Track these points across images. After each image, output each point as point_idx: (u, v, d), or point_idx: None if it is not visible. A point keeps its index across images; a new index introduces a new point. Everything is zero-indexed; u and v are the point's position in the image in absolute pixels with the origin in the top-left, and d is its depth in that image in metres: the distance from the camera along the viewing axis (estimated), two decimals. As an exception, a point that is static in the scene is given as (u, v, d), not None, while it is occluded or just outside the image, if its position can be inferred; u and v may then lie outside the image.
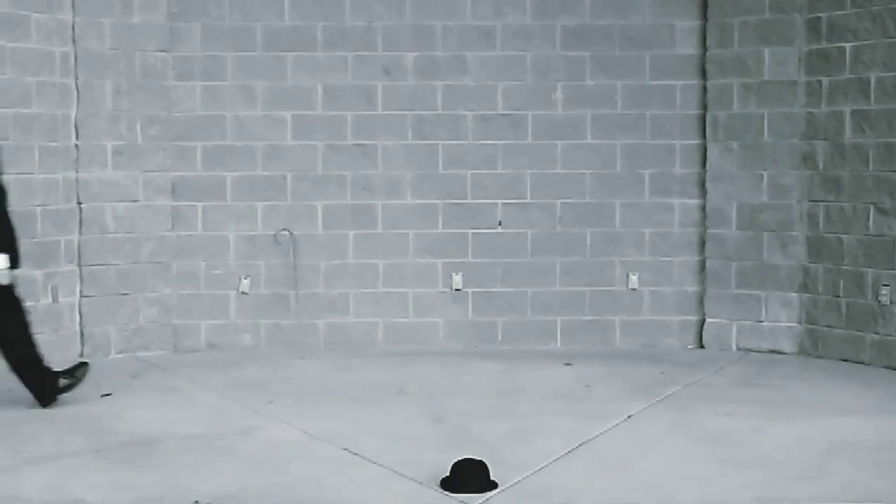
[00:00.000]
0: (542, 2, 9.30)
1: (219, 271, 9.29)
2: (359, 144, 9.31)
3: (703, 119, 9.25)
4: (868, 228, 8.45)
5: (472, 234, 9.36)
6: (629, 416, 6.93)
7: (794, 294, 8.96)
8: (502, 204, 9.34)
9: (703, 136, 9.25)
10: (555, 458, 5.93)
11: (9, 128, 8.36)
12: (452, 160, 9.34)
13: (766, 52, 8.92)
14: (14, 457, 6.02)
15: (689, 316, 9.39)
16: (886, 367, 8.32)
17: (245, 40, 9.22)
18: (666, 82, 9.29)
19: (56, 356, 8.67)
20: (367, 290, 9.36)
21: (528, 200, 9.35)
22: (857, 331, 8.55)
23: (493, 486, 5.45)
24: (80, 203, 8.86)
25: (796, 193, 8.91)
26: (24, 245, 8.40)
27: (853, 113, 8.52)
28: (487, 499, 5.30)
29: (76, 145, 8.83)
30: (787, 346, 9.00)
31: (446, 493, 5.37)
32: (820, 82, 8.74)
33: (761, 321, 9.08)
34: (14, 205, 8.33)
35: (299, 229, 9.30)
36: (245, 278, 9.29)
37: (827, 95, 8.70)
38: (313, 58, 9.27)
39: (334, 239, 9.33)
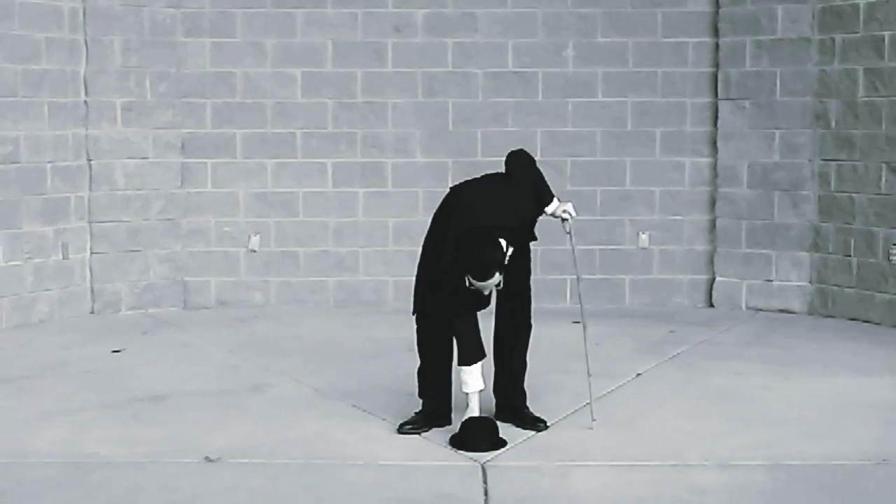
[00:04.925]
0: (554, -42, 9.24)
1: (228, 229, 9.29)
2: (368, 102, 9.27)
3: (714, 77, 9.19)
4: (880, 188, 8.41)
5: (482, 192, 9.32)
6: (638, 375, 6.94)
7: (805, 253, 8.94)
8: (512, 162, 9.30)
9: (715, 94, 9.19)
10: (563, 416, 5.94)
11: (18, 84, 8.35)
12: (462, 118, 9.30)
13: (779, 9, 8.84)
14: (27, 411, 6.06)
15: (699, 275, 9.38)
16: (896, 327, 8.33)
17: (254, -4, 9.17)
18: (678, 40, 9.23)
19: (67, 312, 8.73)
20: (376, 249, 9.36)
21: (539, 158, 9.15)
22: (868, 290, 8.53)
23: (503, 443, 5.47)
24: (89, 160, 8.85)
25: (808, 152, 8.87)
26: (33, 202, 8.45)
27: (866, 71, 8.45)
28: (496, 456, 5.32)
29: (85, 102, 8.82)
30: (797, 305, 8.99)
31: (455, 450, 5.39)
32: (833, 40, 8.67)
33: (771, 280, 9.07)
34: (24, 161, 8.37)
35: (309, 186, 9.29)
36: (255, 235, 9.29)
37: (840, 53, 8.63)
38: (323, 14, 9.22)
39: (344, 197, 9.32)
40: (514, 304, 5.84)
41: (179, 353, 7.58)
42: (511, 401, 5.86)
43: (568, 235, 5.92)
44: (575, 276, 6.22)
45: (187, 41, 9.14)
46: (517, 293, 5.82)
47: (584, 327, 5.95)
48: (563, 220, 5.82)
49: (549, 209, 5.78)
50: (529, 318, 5.93)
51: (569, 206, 5.81)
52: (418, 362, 5.83)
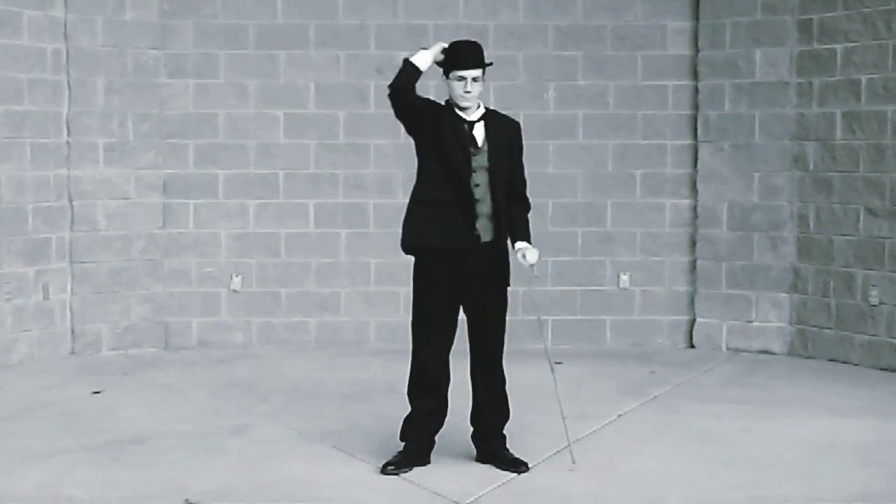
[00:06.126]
0: (535, 1, 9.31)
1: (210, 269, 9.28)
2: (351, 143, 9.31)
3: (694, 119, 9.27)
4: (858, 230, 8.48)
5: (464, 233, 9.35)
6: (619, 416, 6.95)
7: (785, 294, 8.98)
8: (494, 203, 9.33)
9: (695, 136, 9.27)
10: (544, 458, 5.93)
11: (0, 125, 8.34)
12: (444, 159, 9.32)
13: (758, 52, 8.94)
14: (6, 455, 6.00)
15: (680, 316, 9.40)
16: (875, 368, 8.35)
17: (237, 38, 9.21)
18: (658, 82, 9.31)
19: (47, 353, 8.69)
20: (358, 289, 9.36)
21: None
22: (847, 331, 8.57)
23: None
24: (71, 200, 8.84)
25: (787, 194, 8.93)
26: (14, 242, 8.43)
27: (844, 114, 8.54)
28: (477, 498, 5.31)
29: (68, 142, 8.82)
30: (777, 346, 9.03)
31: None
32: (811, 83, 8.76)
33: (751, 321, 9.10)
34: (5, 202, 8.36)
35: (291, 227, 9.31)
36: (236, 276, 9.29)
37: (818, 96, 8.72)
38: (306, 56, 9.27)
39: (326, 237, 9.33)
40: (485, 344, 5.82)
41: (160, 395, 7.54)
42: (491, 445, 5.85)
43: (532, 277, 5.93)
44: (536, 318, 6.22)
45: (170, 82, 9.17)
46: (488, 333, 5.81)
47: (552, 369, 5.93)
48: (525, 261, 5.71)
49: (518, 245, 5.71)
50: (501, 362, 5.91)
51: (531, 253, 5.69)
52: (408, 408, 5.81)
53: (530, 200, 5.87)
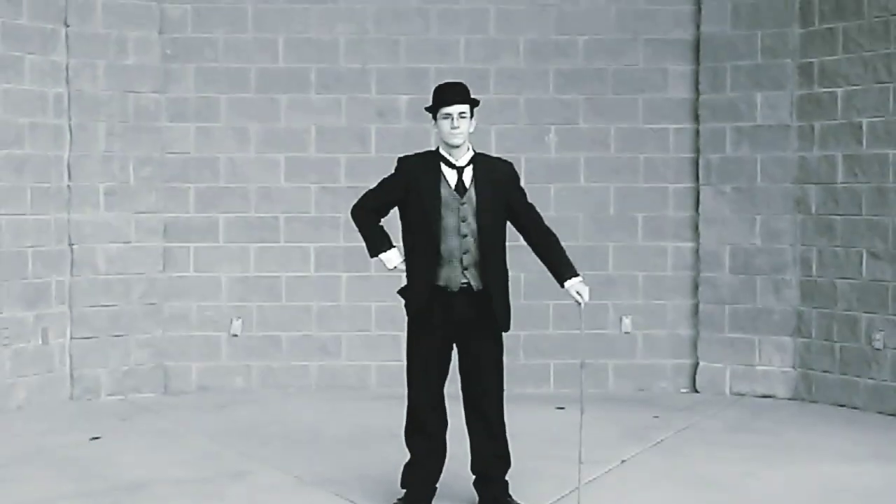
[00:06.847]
0: (536, 45, 9.33)
1: (210, 313, 9.24)
2: (352, 186, 9.27)
3: (696, 162, 9.26)
4: (861, 273, 8.44)
5: (465, 276, 9.31)
6: (623, 461, 6.89)
7: (788, 338, 8.93)
8: (495, 246, 9.30)
9: (697, 179, 9.26)
10: (548, 504, 5.88)
11: (1, 168, 8.33)
12: (445, 202, 9.30)
13: (759, 96, 8.95)
14: (3, 502, 5.95)
15: (683, 360, 9.35)
16: (880, 413, 8.28)
17: (239, 82, 9.23)
18: (659, 126, 9.31)
19: (45, 398, 8.63)
20: (359, 333, 9.31)
21: (521, 243, 9.25)
22: (851, 375, 8.52)
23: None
24: (71, 244, 8.82)
25: (789, 237, 8.91)
26: (14, 286, 8.39)
27: (845, 157, 8.54)
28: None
29: (68, 186, 8.81)
30: (781, 390, 8.97)
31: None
32: (812, 127, 8.76)
33: (755, 365, 9.05)
34: (5, 246, 8.33)
35: (291, 270, 9.27)
36: (237, 320, 9.25)
37: (819, 140, 8.72)
38: (307, 100, 9.28)
39: (327, 281, 9.30)
40: (482, 394, 5.77)
41: (159, 440, 7.48)
42: (493, 492, 5.78)
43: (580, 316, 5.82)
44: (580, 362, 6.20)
45: (172, 126, 9.18)
46: (485, 382, 5.77)
47: (582, 412, 5.86)
48: (577, 302, 5.68)
49: (568, 284, 5.67)
50: (502, 411, 5.86)
51: (585, 290, 5.67)
52: (407, 455, 5.76)
53: (524, 242, 5.91)
